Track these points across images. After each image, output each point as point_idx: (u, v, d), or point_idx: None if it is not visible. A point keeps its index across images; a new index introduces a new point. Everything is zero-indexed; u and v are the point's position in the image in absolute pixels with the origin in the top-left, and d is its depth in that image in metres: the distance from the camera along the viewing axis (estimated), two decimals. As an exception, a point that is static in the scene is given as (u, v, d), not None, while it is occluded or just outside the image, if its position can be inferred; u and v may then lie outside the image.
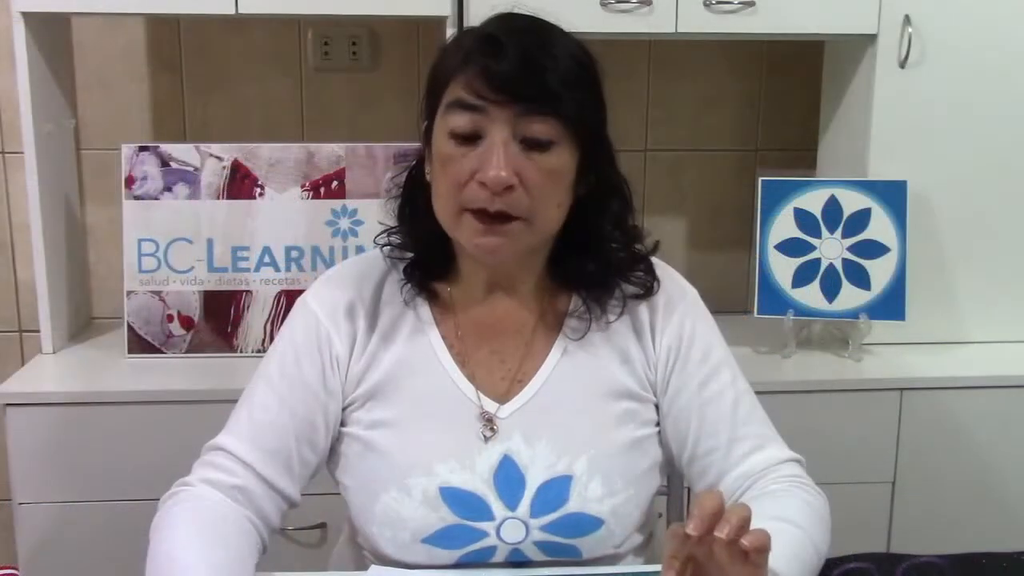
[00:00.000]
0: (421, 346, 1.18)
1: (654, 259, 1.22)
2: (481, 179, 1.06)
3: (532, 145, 1.07)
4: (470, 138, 1.07)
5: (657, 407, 1.20)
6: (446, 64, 1.11)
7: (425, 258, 1.19)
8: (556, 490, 1.13)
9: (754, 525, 0.89)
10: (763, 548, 0.87)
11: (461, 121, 1.07)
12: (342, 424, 1.18)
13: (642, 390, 1.19)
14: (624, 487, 1.14)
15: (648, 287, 1.19)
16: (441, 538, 1.13)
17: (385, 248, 1.21)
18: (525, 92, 1.05)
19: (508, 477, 1.13)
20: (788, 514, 1.08)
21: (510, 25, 1.11)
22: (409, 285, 1.18)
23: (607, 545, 1.16)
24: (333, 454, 1.20)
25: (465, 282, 1.20)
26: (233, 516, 1.10)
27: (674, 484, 1.53)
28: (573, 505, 1.13)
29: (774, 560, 0.95)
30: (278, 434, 1.14)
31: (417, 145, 1.19)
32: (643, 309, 1.20)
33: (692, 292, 1.24)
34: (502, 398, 1.16)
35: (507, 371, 1.18)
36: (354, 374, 1.17)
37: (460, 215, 1.09)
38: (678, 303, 1.21)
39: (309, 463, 1.17)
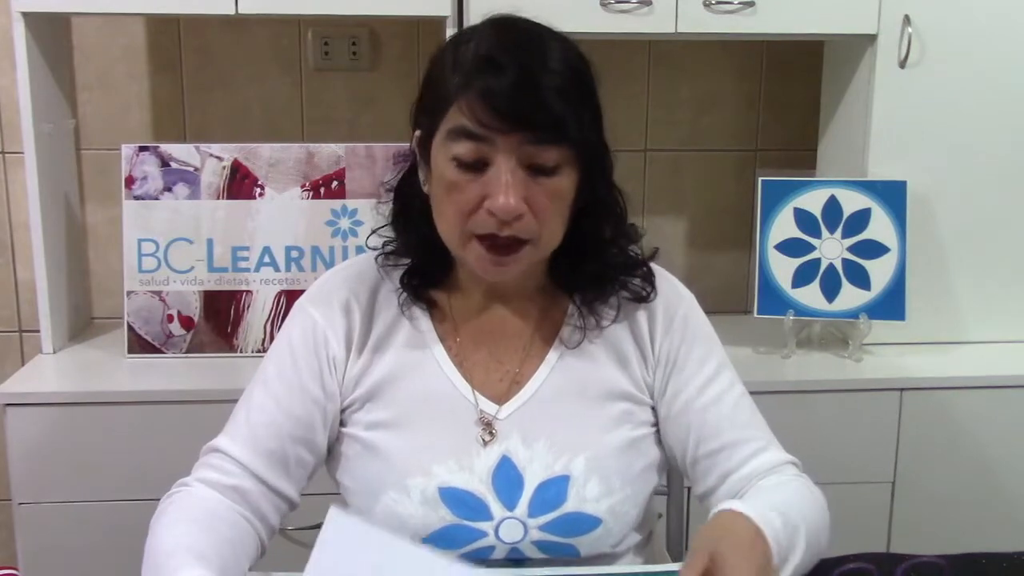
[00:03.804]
0: (419, 347, 1.19)
1: (651, 264, 1.22)
2: (491, 208, 1.06)
3: (539, 171, 1.07)
4: (475, 166, 1.07)
5: (654, 410, 1.21)
6: (444, 80, 1.09)
7: (422, 266, 1.19)
8: (554, 490, 1.14)
9: (753, 513, 0.98)
10: None
11: (465, 149, 1.06)
12: (342, 425, 1.19)
13: (638, 392, 1.20)
14: (621, 487, 1.15)
15: (645, 294, 1.20)
16: (440, 538, 1.13)
17: (379, 258, 1.21)
18: (530, 120, 1.04)
19: (506, 477, 1.14)
20: (783, 500, 1.09)
21: (505, 40, 1.08)
22: (406, 295, 1.19)
23: (605, 544, 1.16)
24: (333, 455, 1.20)
25: (463, 290, 1.20)
26: (226, 511, 1.11)
27: (674, 484, 1.53)
28: (571, 505, 1.13)
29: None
30: (275, 436, 1.15)
31: None
32: (641, 315, 1.21)
33: (689, 297, 1.24)
34: (500, 399, 1.17)
35: (505, 372, 1.19)
36: (352, 375, 1.18)
37: (468, 241, 1.10)
38: (676, 308, 1.21)
39: (306, 464, 1.17)
